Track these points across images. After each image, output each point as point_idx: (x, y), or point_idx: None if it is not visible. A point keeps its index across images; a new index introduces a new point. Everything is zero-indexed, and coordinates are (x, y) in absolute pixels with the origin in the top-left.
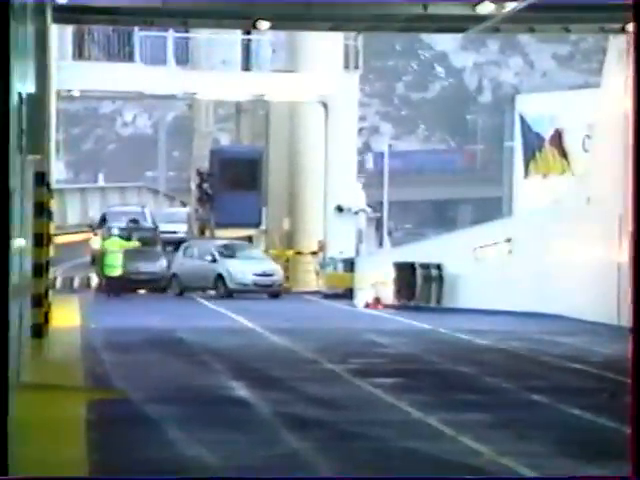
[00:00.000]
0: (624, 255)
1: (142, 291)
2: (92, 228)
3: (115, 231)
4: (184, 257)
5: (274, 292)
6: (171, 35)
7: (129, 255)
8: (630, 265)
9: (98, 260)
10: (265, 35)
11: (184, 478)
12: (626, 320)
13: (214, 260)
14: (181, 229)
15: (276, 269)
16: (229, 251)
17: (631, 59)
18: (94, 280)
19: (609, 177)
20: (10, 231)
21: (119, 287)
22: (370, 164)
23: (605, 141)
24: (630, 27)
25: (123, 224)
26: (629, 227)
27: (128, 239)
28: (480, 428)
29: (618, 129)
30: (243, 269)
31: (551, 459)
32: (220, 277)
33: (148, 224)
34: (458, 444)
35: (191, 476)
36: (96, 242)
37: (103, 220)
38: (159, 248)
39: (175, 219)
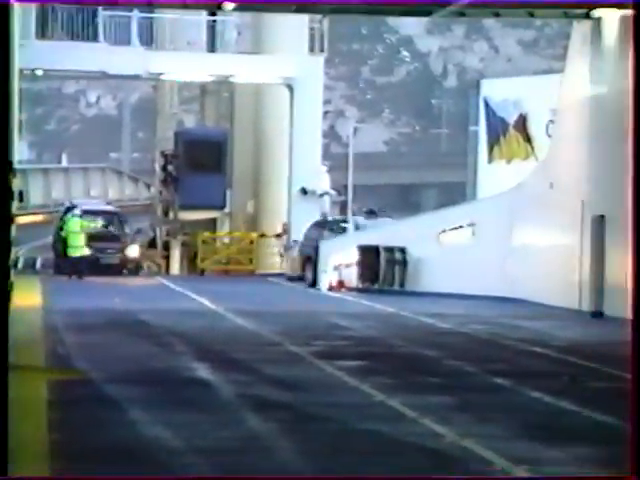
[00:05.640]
0: (586, 240)
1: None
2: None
3: (77, 212)
4: None
5: None
6: (135, 15)
7: None
8: (631, 263)
9: (59, 241)
10: (230, 16)
11: (184, 478)
12: (587, 305)
13: None
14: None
15: None
16: None
17: (631, 55)
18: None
19: (572, 162)
20: (10, 230)
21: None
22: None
23: (568, 126)
24: (596, 13)
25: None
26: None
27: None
28: (442, 411)
29: (581, 114)
30: None
31: (512, 441)
32: None
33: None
34: (420, 426)
35: (191, 476)
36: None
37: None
38: None
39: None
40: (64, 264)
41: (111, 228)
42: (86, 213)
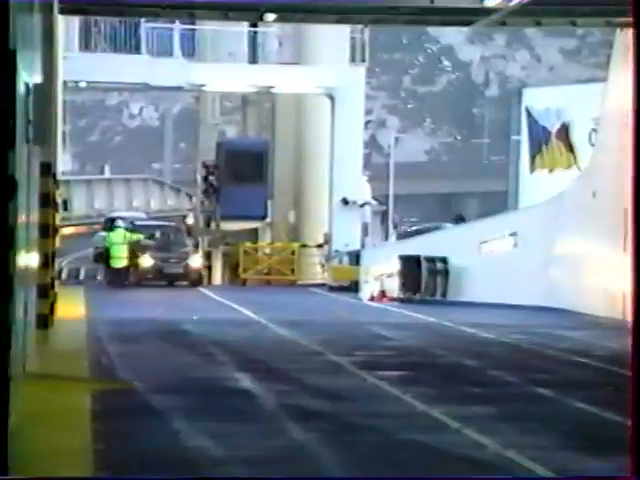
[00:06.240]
0: (629, 249)
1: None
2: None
3: (119, 223)
4: None
5: None
6: (177, 27)
7: None
8: (630, 264)
9: (103, 252)
10: (272, 27)
11: (184, 478)
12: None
13: None
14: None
15: None
16: None
17: (631, 57)
18: (100, 273)
19: (614, 171)
20: (11, 224)
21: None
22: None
23: (611, 135)
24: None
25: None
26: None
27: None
28: (485, 421)
29: (624, 123)
30: None
31: (555, 452)
32: None
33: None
34: (462, 436)
35: (191, 476)
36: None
37: (108, 222)
38: None
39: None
40: (115, 275)
41: (171, 238)
42: (143, 227)
